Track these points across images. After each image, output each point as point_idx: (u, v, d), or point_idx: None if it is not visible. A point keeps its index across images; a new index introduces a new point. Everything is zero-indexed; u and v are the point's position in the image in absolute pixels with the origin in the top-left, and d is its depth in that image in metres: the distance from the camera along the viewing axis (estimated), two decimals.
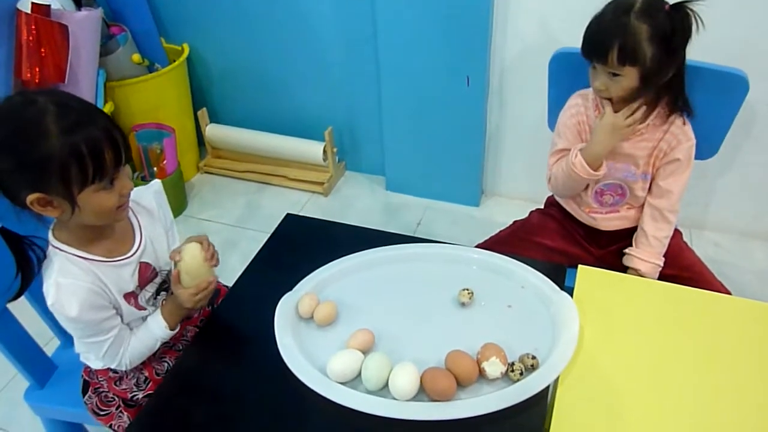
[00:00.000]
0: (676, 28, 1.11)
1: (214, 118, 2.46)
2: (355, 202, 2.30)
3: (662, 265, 1.30)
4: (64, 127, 0.80)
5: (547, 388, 0.89)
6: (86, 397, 1.13)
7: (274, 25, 2.18)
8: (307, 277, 1.09)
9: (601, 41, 1.13)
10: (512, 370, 0.90)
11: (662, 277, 1.31)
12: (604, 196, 1.34)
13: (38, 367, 1.21)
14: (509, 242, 1.43)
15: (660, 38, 1.10)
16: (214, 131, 2.43)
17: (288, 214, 1.31)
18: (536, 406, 0.87)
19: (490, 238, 1.47)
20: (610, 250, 1.37)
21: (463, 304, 1.04)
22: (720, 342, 0.97)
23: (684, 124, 1.23)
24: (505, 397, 0.87)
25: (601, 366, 0.93)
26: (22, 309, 1.14)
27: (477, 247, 1.42)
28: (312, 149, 2.28)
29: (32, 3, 1.58)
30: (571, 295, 1.03)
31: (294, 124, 2.36)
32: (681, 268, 1.32)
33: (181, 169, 2.28)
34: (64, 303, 0.90)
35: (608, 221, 1.36)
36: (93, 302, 0.93)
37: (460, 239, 1.61)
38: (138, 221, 1.04)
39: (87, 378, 1.13)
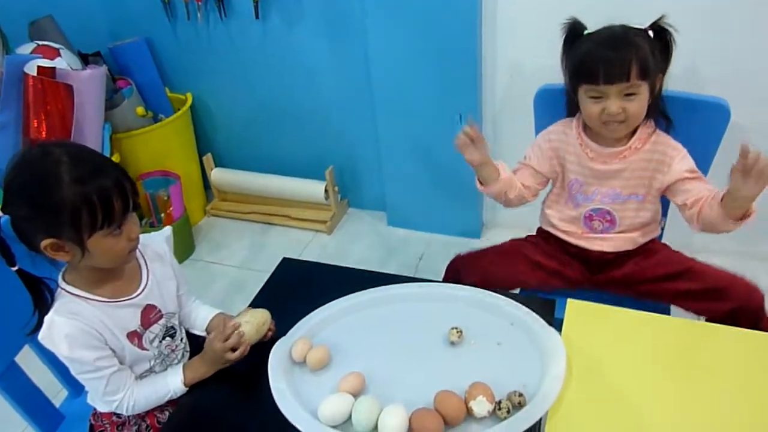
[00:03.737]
0: (662, 44, 1.20)
1: (219, 163, 2.53)
2: (358, 238, 2.34)
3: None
4: (77, 177, 0.87)
5: (536, 425, 0.90)
6: None
7: (273, 71, 2.26)
8: (301, 322, 1.11)
9: (619, 61, 1.16)
10: (499, 408, 0.91)
11: (661, 276, 1.31)
12: (593, 221, 1.36)
13: (46, 419, 1.24)
14: (502, 254, 1.44)
15: (653, 52, 1.18)
16: (219, 175, 2.49)
17: (284, 259, 1.34)
18: None
19: (481, 250, 1.49)
20: (605, 275, 1.38)
21: (452, 343, 1.05)
22: (716, 374, 0.96)
23: (665, 139, 1.26)
24: None
25: (590, 402, 0.94)
26: (29, 361, 1.18)
27: (470, 253, 1.47)
28: (314, 189, 2.33)
29: (38, 66, 1.66)
30: (561, 327, 1.04)
31: (296, 165, 2.42)
32: (676, 262, 1.33)
33: (189, 213, 2.34)
34: (55, 340, 0.95)
35: (602, 243, 1.36)
36: (84, 342, 0.97)
37: None
38: (146, 264, 1.09)
39: (93, 421, 1.16)
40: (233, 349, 1.02)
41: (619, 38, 1.19)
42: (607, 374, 0.98)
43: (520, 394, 0.92)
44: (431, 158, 2.14)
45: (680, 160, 1.25)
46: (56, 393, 1.41)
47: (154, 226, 2.23)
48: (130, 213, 0.95)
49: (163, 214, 2.22)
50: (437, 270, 2.14)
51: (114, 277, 1.02)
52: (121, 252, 0.96)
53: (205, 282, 2.19)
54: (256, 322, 1.05)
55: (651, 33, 1.21)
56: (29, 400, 1.19)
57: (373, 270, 2.03)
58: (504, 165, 1.39)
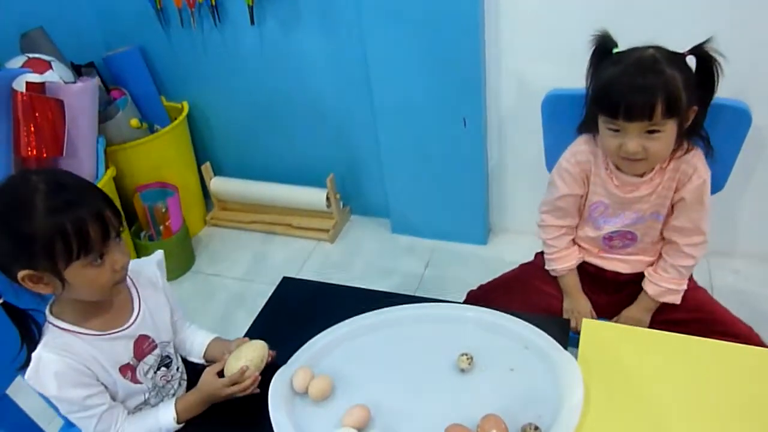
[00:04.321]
0: (704, 72, 1.08)
1: (219, 171, 2.48)
2: (362, 246, 2.28)
3: (677, 290, 1.23)
4: (51, 206, 0.83)
5: None
6: None
7: (270, 77, 2.20)
8: (301, 349, 1.06)
9: (644, 98, 1.04)
10: None
11: (673, 322, 1.24)
12: (613, 241, 1.28)
13: None
14: (511, 287, 1.38)
15: (689, 84, 1.07)
16: (218, 184, 2.44)
17: (284, 278, 1.29)
18: None
19: (492, 281, 1.42)
20: (619, 296, 1.32)
21: (462, 370, 1.00)
22: (743, 397, 0.91)
23: (694, 158, 1.16)
24: None
25: (611, 430, 0.88)
26: (23, 388, 1.13)
27: (478, 288, 1.41)
28: (315, 196, 2.28)
29: (26, 82, 1.61)
30: (577, 348, 0.98)
31: (296, 173, 2.36)
32: (690, 309, 1.26)
33: (188, 223, 2.29)
34: (43, 379, 0.90)
35: (618, 264, 1.30)
36: (74, 379, 0.92)
37: (470, 280, 1.57)
38: (138, 292, 1.03)
39: None
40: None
41: (646, 67, 1.06)
42: (628, 400, 0.92)
43: (536, 428, 0.87)
44: (435, 163, 2.08)
45: (694, 188, 1.17)
46: (51, 420, 1.36)
47: (153, 239, 2.18)
48: (114, 241, 0.90)
49: (161, 227, 2.17)
50: (443, 279, 2.10)
51: (104, 308, 0.97)
52: (105, 284, 0.90)
53: (205, 295, 2.14)
54: (255, 360, 0.99)
55: (692, 58, 1.10)
56: None
57: (376, 282, 2.04)
58: (571, 253, 1.32)
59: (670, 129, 1.08)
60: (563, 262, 1.31)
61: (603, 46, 1.14)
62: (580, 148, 1.24)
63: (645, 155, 1.10)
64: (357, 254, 2.25)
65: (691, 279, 1.32)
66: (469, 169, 2.05)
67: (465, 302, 1.34)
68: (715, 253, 1.98)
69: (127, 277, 1.02)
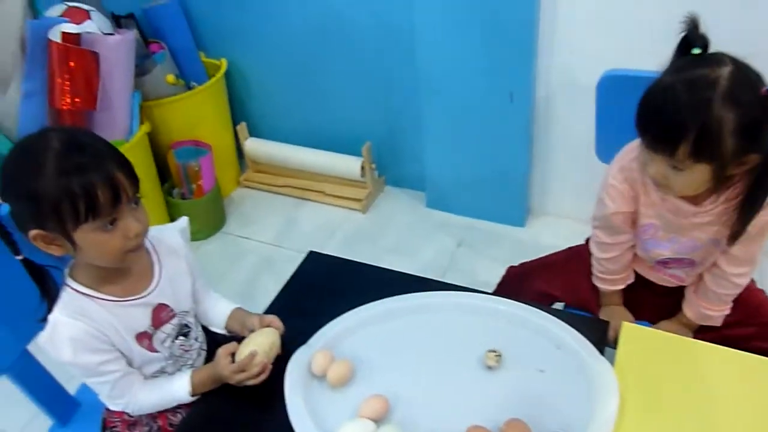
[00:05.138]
0: None
1: (254, 132, 2.44)
2: (394, 219, 2.22)
3: (716, 317, 1.14)
4: (61, 167, 0.80)
5: None
6: None
7: (314, 38, 2.12)
8: (323, 329, 1.02)
9: (670, 128, 0.89)
10: None
11: (726, 326, 1.16)
12: (669, 264, 1.15)
13: (60, 406, 1.20)
14: (554, 270, 1.29)
15: (746, 128, 0.86)
16: (253, 146, 2.41)
17: (311, 252, 1.24)
18: None
19: (535, 260, 1.34)
20: (665, 300, 1.22)
21: (489, 368, 0.94)
22: None
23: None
24: None
25: None
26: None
27: (519, 265, 1.33)
28: (350, 165, 2.22)
29: (62, 32, 1.58)
30: (615, 351, 0.92)
31: (333, 139, 2.30)
32: (747, 313, 1.17)
33: (221, 183, 2.26)
34: (58, 344, 0.89)
35: (666, 281, 1.20)
36: (89, 345, 0.90)
37: (505, 263, 1.50)
38: (158, 259, 1.01)
39: (105, 416, 1.11)
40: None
41: (693, 94, 0.87)
42: (665, 414, 0.86)
43: None
44: (476, 138, 1.99)
45: (762, 222, 1.00)
46: (71, 377, 1.37)
47: (185, 197, 2.17)
48: (127, 207, 0.86)
49: (194, 186, 2.16)
50: (475, 259, 2.04)
51: (122, 274, 0.95)
52: (116, 250, 0.86)
53: (234, 258, 2.13)
54: (265, 347, 0.96)
55: None
56: (43, 389, 1.15)
57: (405, 257, 1.99)
58: (622, 278, 1.20)
59: (699, 171, 0.91)
60: (611, 285, 1.20)
61: (686, 39, 0.94)
62: (628, 164, 1.07)
63: (668, 184, 0.97)
64: (388, 227, 2.20)
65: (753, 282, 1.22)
66: (513, 147, 1.96)
67: (503, 279, 1.27)
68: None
69: (149, 244, 1.00)
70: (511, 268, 1.33)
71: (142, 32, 2.05)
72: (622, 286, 1.21)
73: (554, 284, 1.25)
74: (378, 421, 0.87)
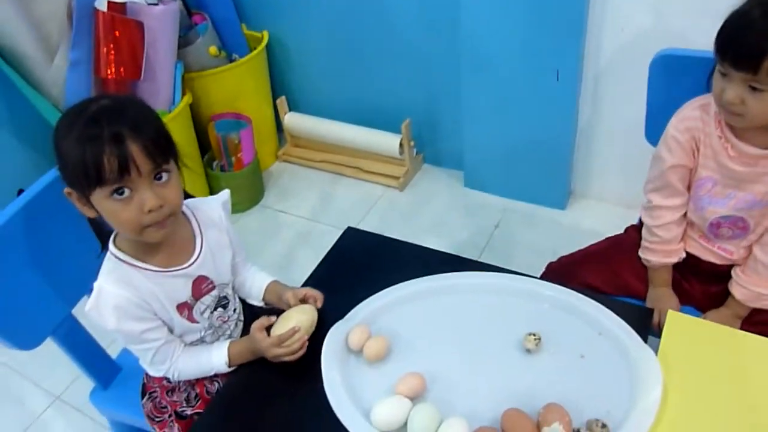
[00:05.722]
0: None
1: (294, 107, 2.44)
2: (431, 198, 2.20)
3: (766, 295, 1.10)
4: (83, 133, 0.82)
5: None
6: (144, 400, 1.14)
7: (354, 11, 2.10)
8: (360, 305, 1.02)
9: (754, 45, 0.91)
10: None
11: (763, 320, 1.11)
12: (721, 228, 1.12)
13: (102, 370, 1.23)
14: (596, 263, 1.25)
15: None
16: (292, 120, 2.40)
17: (348, 228, 1.24)
18: None
19: (574, 253, 1.31)
20: (714, 287, 1.18)
21: (528, 351, 0.93)
22: None
23: None
24: None
25: None
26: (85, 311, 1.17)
27: (558, 261, 1.31)
28: (388, 142, 2.20)
29: (108, 1, 1.60)
30: (659, 341, 0.89)
31: (372, 115, 2.28)
32: None
33: (260, 157, 2.28)
34: (103, 312, 0.91)
35: (715, 255, 1.16)
36: (132, 313, 0.92)
37: (542, 247, 1.48)
38: (200, 231, 1.01)
39: (145, 381, 1.14)
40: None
41: None
42: (711, 407, 0.83)
43: (604, 425, 0.80)
44: (518, 117, 1.94)
45: None
46: (112, 341, 1.41)
47: (225, 169, 2.19)
48: (146, 180, 0.84)
49: (233, 158, 2.17)
50: (513, 241, 2.01)
51: (165, 245, 0.95)
52: (129, 222, 0.86)
53: (271, 231, 2.15)
54: (305, 323, 0.97)
55: None
56: (86, 352, 1.19)
57: (442, 236, 1.97)
58: (675, 249, 1.18)
59: None
60: (662, 257, 1.17)
61: None
62: (690, 113, 1.09)
63: (743, 110, 0.97)
64: (425, 205, 2.18)
65: None
66: (556, 127, 1.90)
67: (543, 276, 1.25)
68: None
69: (191, 216, 1.01)
70: (551, 264, 1.30)
71: (185, 3, 2.05)
72: (673, 260, 1.17)
73: (595, 276, 1.22)
74: (414, 398, 0.87)
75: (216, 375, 1.05)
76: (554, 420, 0.79)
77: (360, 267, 1.14)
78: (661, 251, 1.17)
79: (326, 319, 1.00)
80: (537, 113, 1.90)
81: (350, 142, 2.31)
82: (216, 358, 0.99)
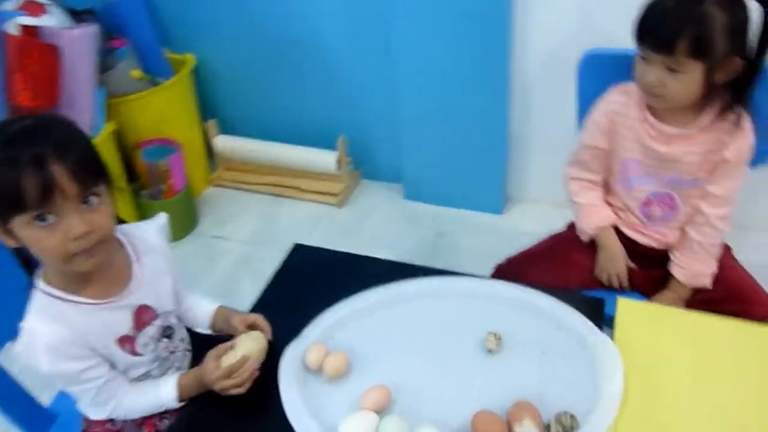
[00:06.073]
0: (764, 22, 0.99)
1: (224, 129, 2.37)
2: (372, 213, 2.19)
3: (706, 274, 1.16)
4: (1, 153, 0.76)
5: None
6: None
7: (282, 29, 2.08)
8: (315, 322, 0.98)
9: (669, 27, 0.99)
10: None
11: (704, 299, 1.17)
12: (653, 207, 1.19)
13: (34, 420, 1.12)
14: (543, 259, 1.29)
15: (735, 31, 0.99)
16: (223, 143, 2.34)
17: (296, 245, 1.20)
18: None
19: (521, 253, 1.33)
20: (654, 271, 1.23)
21: (490, 351, 0.92)
22: None
23: (740, 119, 1.08)
24: None
25: (653, 420, 0.81)
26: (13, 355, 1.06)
27: (506, 261, 1.32)
28: (325, 159, 2.17)
29: (20, 24, 1.50)
30: (612, 328, 0.91)
31: (306, 133, 2.25)
32: (725, 288, 1.18)
33: (192, 183, 2.19)
34: (34, 353, 0.83)
35: (653, 240, 1.22)
36: (68, 352, 0.85)
37: (485, 251, 1.49)
38: (137, 258, 0.95)
39: (85, 427, 1.05)
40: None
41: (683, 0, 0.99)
42: (670, 389, 0.85)
43: (572, 416, 0.80)
44: (453, 127, 1.97)
45: (740, 149, 1.09)
46: (45, 386, 1.30)
47: (155, 198, 2.09)
48: (72, 206, 0.78)
49: (164, 186, 2.08)
50: (457, 248, 2.02)
51: (98, 274, 0.88)
52: (55, 250, 0.79)
53: (209, 259, 2.06)
54: (254, 352, 0.92)
55: (757, 6, 1.00)
56: (14, 401, 1.08)
57: (386, 250, 1.95)
58: (600, 210, 1.24)
59: (693, 71, 1.00)
60: (593, 219, 1.22)
61: None
62: (613, 97, 1.17)
63: (663, 92, 1.04)
64: (366, 220, 2.16)
65: (729, 255, 1.23)
66: (490, 134, 1.95)
67: (493, 277, 1.26)
68: (739, 227, 1.89)
69: (125, 242, 0.95)
70: (500, 266, 1.32)
71: (103, 28, 1.96)
72: (605, 222, 1.22)
73: (544, 272, 1.24)
74: (380, 412, 0.84)
75: (166, 411, 0.98)
76: (524, 417, 0.79)
77: (311, 283, 1.11)
78: (587, 214, 1.22)
79: (280, 341, 0.95)
80: (471, 119, 1.94)
81: (286, 161, 2.26)
82: (165, 393, 0.92)
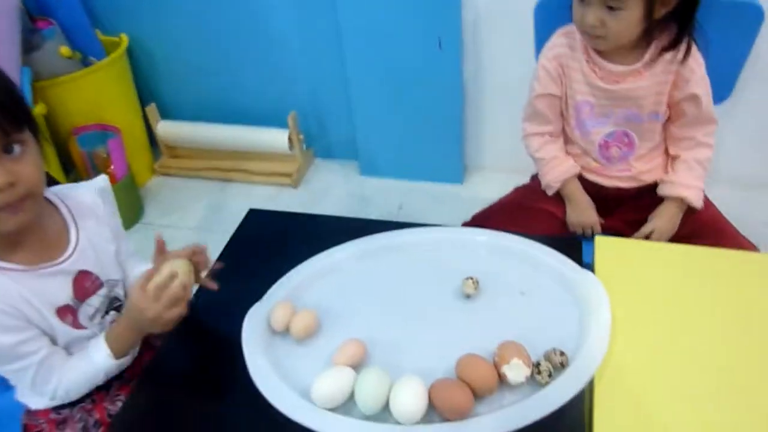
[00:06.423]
0: None
1: (166, 114, 2.24)
2: (329, 191, 2.12)
3: (700, 188, 1.14)
4: None
5: (582, 390, 0.73)
6: None
7: (220, 6, 1.97)
8: (278, 282, 0.91)
9: None
10: (539, 372, 0.73)
11: (678, 237, 1.15)
12: (611, 149, 1.17)
13: None
14: (510, 211, 1.25)
15: None
16: (166, 128, 2.21)
17: (251, 210, 1.12)
18: (571, 414, 0.71)
19: (487, 209, 1.29)
20: (622, 217, 1.21)
21: (468, 296, 0.87)
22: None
23: (689, 49, 1.06)
24: (534, 406, 0.70)
25: (642, 353, 0.77)
26: None
27: (474, 218, 1.28)
28: (276, 138, 2.08)
29: None
30: (592, 270, 0.87)
31: (254, 112, 2.15)
32: (700, 225, 1.17)
33: (135, 173, 2.07)
34: None
35: (618, 180, 1.20)
36: (0, 324, 0.75)
37: (447, 221, 1.43)
38: (74, 221, 0.86)
39: (26, 421, 0.94)
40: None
41: None
42: (656, 319, 0.81)
43: (562, 353, 0.75)
44: (407, 96, 1.92)
45: (700, 79, 1.08)
46: None
47: None
48: None
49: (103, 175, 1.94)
50: (419, 220, 1.94)
51: (30, 238, 0.79)
52: None
53: None
54: (183, 268, 0.81)
55: None
56: None
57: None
58: (563, 162, 1.20)
59: (633, 7, 0.99)
60: (556, 172, 1.19)
61: None
62: (556, 40, 1.14)
63: (604, 32, 1.02)
64: (324, 199, 2.09)
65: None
66: (444, 100, 1.90)
67: None
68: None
69: (61, 204, 0.85)
70: (465, 223, 1.27)
71: (26, 9, 1.81)
72: (569, 173, 1.19)
73: (511, 224, 1.20)
74: (356, 367, 0.77)
75: (119, 392, 0.88)
76: (512, 357, 0.73)
77: (271, 247, 1.03)
78: (551, 168, 1.19)
79: (241, 306, 0.87)
80: (424, 87, 1.89)
81: (234, 144, 2.16)
82: (97, 355, 0.82)
